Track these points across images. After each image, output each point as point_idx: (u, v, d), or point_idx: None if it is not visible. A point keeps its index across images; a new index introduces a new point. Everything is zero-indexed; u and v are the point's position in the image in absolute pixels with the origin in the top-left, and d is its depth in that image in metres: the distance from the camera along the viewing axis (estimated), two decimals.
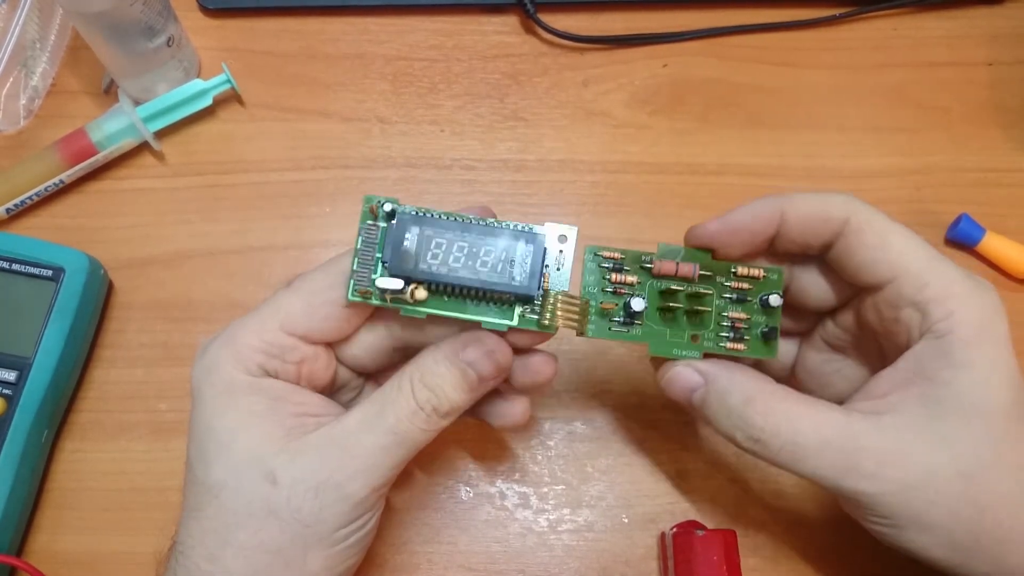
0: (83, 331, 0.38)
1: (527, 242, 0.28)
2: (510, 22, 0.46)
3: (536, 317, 0.29)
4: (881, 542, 0.29)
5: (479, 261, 0.28)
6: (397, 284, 0.28)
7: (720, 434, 0.29)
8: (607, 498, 0.37)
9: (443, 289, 0.28)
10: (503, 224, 0.28)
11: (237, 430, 0.27)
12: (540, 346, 0.30)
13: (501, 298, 0.28)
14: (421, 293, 0.28)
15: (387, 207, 0.28)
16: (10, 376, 0.35)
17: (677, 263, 0.30)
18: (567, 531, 0.36)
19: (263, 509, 0.26)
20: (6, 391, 0.35)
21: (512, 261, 0.28)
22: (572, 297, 0.29)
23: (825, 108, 0.44)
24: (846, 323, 0.32)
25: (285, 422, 0.27)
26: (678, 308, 0.30)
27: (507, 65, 0.45)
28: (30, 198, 0.40)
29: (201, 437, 0.28)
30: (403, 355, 0.31)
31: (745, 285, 0.30)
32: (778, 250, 0.31)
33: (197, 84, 0.42)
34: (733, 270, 0.30)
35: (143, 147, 0.43)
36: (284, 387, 0.29)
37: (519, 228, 0.28)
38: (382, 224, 0.28)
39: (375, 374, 0.32)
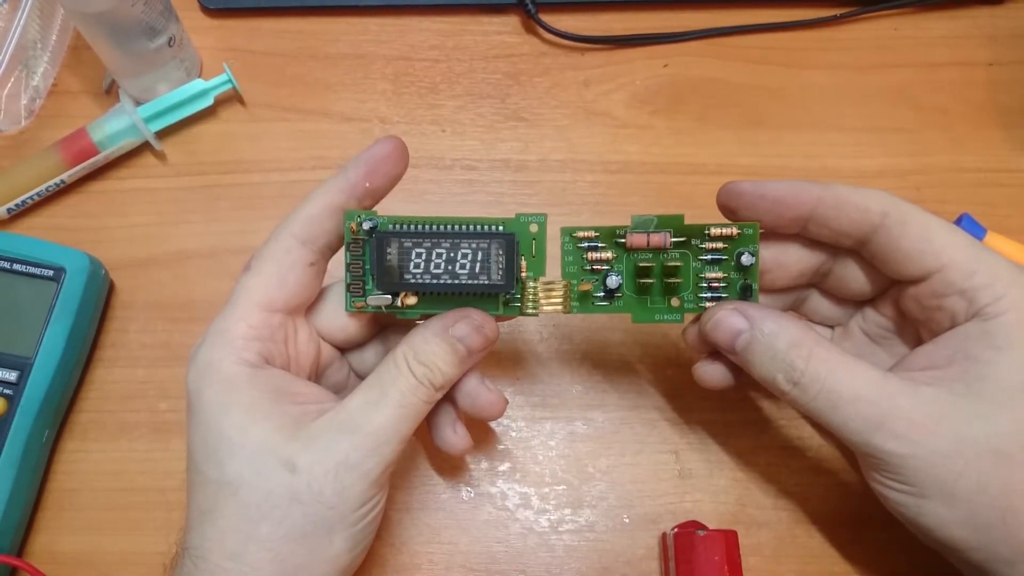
0: (84, 331, 0.38)
1: (498, 241, 0.29)
2: (511, 22, 0.46)
3: (518, 306, 0.31)
4: (900, 519, 0.29)
5: (458, 264, 0.29)
6: (386, 299, 0.30)
7: (759, 378, 0.30)
8: (608, 498, 0.37)
9: (430, 291, 0.30)
10: (475, 225, 0.29)
11: (246, 425, 0.27)
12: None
13: (485, 292, 0.30)
14: (411, 300, 0.30)
15: (366, 225, 0.30)
16: (11, 376, 0.35)
17: (648, 235, 0.30)
18: (568, 531, 0.36)
19: (285, 497, 0.27)
20: (7, 391, 0.35)
21: (488, 260, 0.29)
22: (551, 283, 0.31)
23: (825, 108, 0.44)
24: (885, 313, 0.32)
25: (290, 412, 0.28)
26: (653, 282, 0.31)
27: (508, 65, 0.45)
28: (31, 198, 0.40)
29: (208, 438, 0.28)
30: (376, 322, 0.33)
31: (720, 245, 0.30)
32: (812, 236, 0.31)
33: (198, 84, 0.42)
34: (707, 231, 0.30)
35: (144, 147, 0.43)
36: (282, 377, 0.29)
37: (489, 228, 0.30)
38: (364, 238, 0.30)
39: (353, 349, 0.34)
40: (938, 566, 0.34)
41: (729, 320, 0.30)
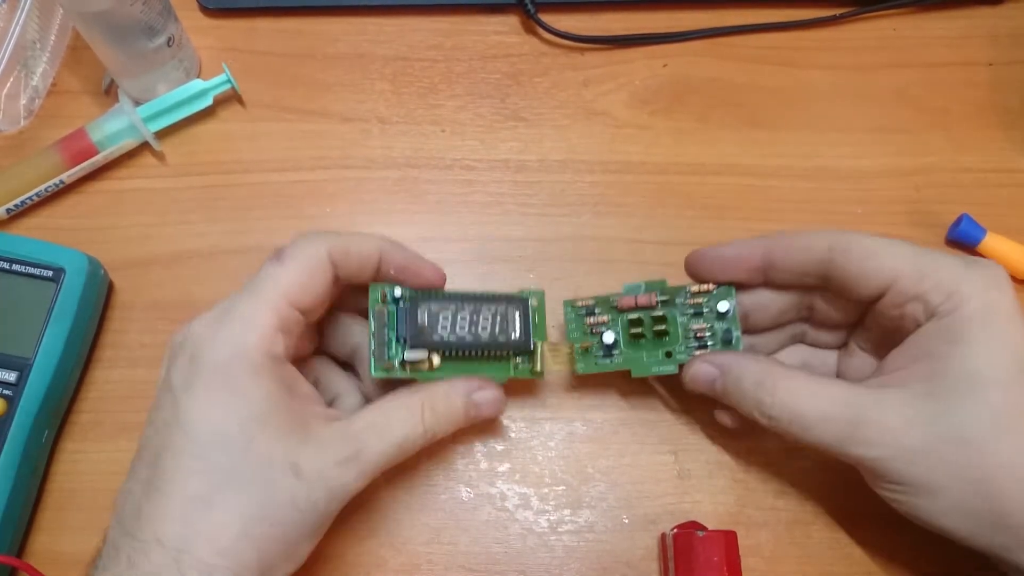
0: (83, 332, 0.38)
1: (515, 306, 0.34)
2: (510, 22, 0.46)
3: (528, 367, 0.34)
4: (902, 514, 0.30)
5: (480, 326, 0.33)
6: (421, 355, 0.32)
7: (745, 415, 0.32)
8: (607, 499, 0.37)
9: (453, 353, 0.33)
10: (492, 293, 0.34)
11: (266, 419, 0.27)
12: None
13: (499, 354, 0.34)
14: (437, 360, 0.33)
15: (396, 292, 0.33)
16: (10, 377, 0.35)
17: (636, 297, 0.35)
18: (567, 532, 0.36)
19: (286, 501, 0.27)
20: (6, 392, 0.35)
21: (506, 322, 0.33)
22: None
23: (825, 108, 0.44)
24: (872, 330, 0.33)
25: (299, 412, 0.28)
26: (644, 334, 0.35)
27: (507, 65, 0.45)
28: (30, 198, 0.40)
29: (224, 425, 0.27)
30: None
31: (700, 300, 0.34)
32: (777, 281, 0.34)
33: (197, 84, 0.42)
34: (687, 289, 0.34)
35: (143, 147, 0.43)
36: (293, 374, 0.30)
37: (506, 295, 0.34)
38: (391, 308, 0.33)
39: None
40: (936, 565, 0.34)
41: (702, 371, 0.33)
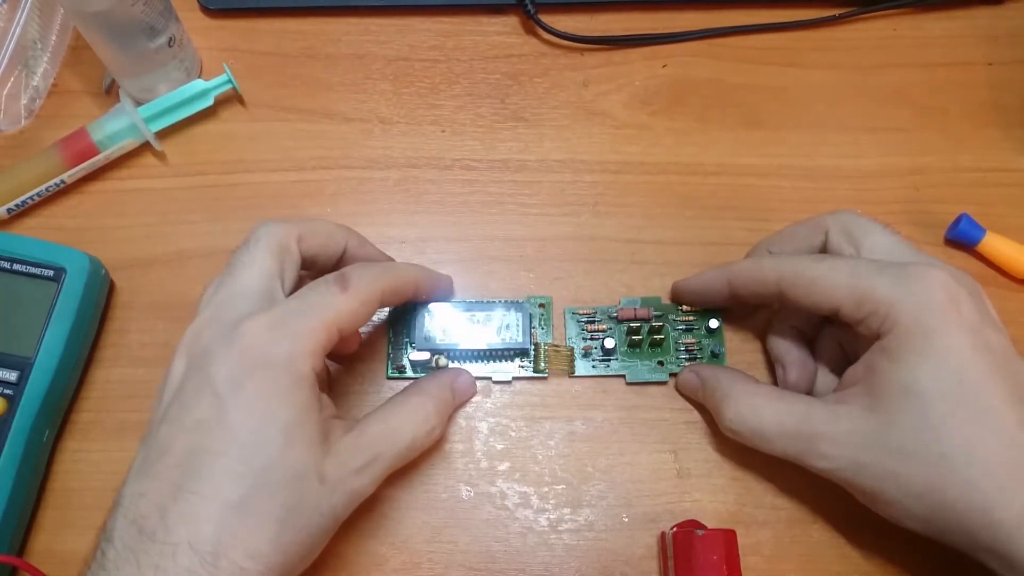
0: (84, 331, 0.38)
1: (516, 311, 0.37)
2: (510, 22, 0.46)
3: (531, 366, 0.38)
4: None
5: (485, 331, 0.37)
6: (425, 356, 0.37)
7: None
8: (607, 497, 0.37)
9: (460, 354, 0.37)
10: (495, 300, 0.38)
11: (300, 427, 0.28)
12: None
13: (503, 355, 0.38)
14: (444, 361, 0.37)
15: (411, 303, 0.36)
16: (11, 376, 0.35)
17: (635, 309, 0.38)
18: (567, 530, 0.36)
19: (314, 507, 0.28)
20: (7, 391, 0.35)
21: (508, 326, 0.37)
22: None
23: (824, 108, 0.44)
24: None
25: (324, 422, 0.29)
26: (642, 340, 0.38)
27: (508, 65, 0.45)
28: (31, 198, 0.41)
29: (267, 429, 0.27)
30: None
31: (690, 318, 0.39)
32: (748, 304, 0.38)
33: (198, 84, 0.42)
34: (680, 308, 0.39)
35: (144, 147, 0.43)
36: (317, 387, 0.30)
37: (508, 302, 0.38)
38: (406, 317, 0.37)
39: None
40: (935, 563, 0.34)
41: (688, 380, 0.37)
